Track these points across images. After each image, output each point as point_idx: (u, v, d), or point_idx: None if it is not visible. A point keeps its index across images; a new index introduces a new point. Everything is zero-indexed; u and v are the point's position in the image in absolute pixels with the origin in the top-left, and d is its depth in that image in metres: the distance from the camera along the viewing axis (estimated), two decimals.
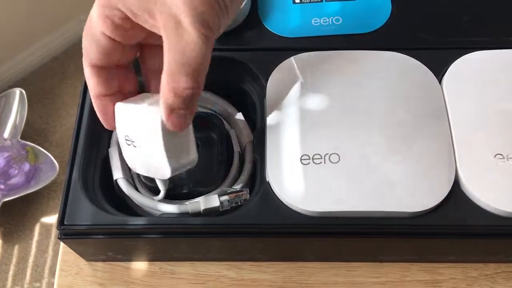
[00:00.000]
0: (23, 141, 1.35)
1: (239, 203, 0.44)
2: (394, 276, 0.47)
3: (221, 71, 0.49)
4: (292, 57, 0.46)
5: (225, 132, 0.49)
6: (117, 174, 0.45)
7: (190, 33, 0.32)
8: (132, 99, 0.38)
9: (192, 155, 0.39)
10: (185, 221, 0.41)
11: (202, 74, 0.33)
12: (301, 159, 0.41)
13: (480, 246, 0.43)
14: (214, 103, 0.50)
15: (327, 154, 0.41)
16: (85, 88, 0.46)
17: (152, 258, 0.47)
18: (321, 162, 0.41)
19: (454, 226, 0.40)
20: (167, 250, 0.45)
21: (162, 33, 0.33)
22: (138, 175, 0.46)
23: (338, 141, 0.42)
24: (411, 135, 0.42)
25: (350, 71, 0.45)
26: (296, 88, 0.45)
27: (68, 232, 0.41)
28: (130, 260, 0.47)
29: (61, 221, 0.40)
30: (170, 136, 0.36)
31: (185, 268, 0.48)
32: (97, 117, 0.44)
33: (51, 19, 1.46)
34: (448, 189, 0.40)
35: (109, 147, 0.46)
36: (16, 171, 1.31)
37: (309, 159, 0.41)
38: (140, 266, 0.48)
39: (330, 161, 0.41)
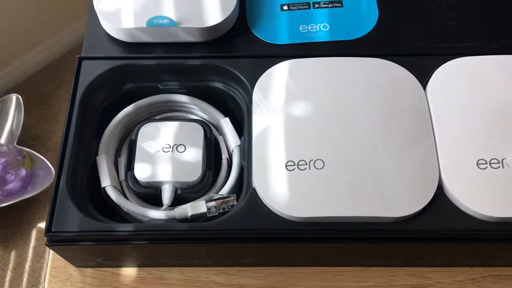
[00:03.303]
0: (20, 147, 1.35)
1: (227, 209, 0.44)
2: (382, 281, 0.47)
3: (209, 78, 0.50)
4: (278, 64, 0.47)
5: (213, 138, 0.49)
6: (105, 181, 0.45)
7: None
8: None
9: None
10: (172, 227, 0.42)
11: None
12: (286, 165, 0.42)
13: (464, 250, 0.43)
14: (202, 110, 0.51)
15: (312, 160, 0.42)
16: (73, 96, 0.47)
17: (141, 264, 0.48)
18: (306, 168, 0.42)
19: (437, 231, 0.41)
20: (155, 256, 0.45)
21: None
22: (127, 182, 0.47)
23: (323, 147, 0.42)
24: (395, 141, 0.43)
25: (335, 78, 0.46)
26: (281, 95, 0.45)
27: (56, 239, 0.41)
28: (119, 266, 0.48)
29: (48, 228, 0.41)
30: None
31: (174, 274, 0.48)
32: (84, 124, 0.45)
33: (48, 26, 1.47)
34: (431, 195, 0.41)
35: (97, 155, 0.47)
36: (13, 177, 1.31)
37: (294, 165, 0.42)
38: (129, 272, 0.48)
39: (315, 167, 0.42)
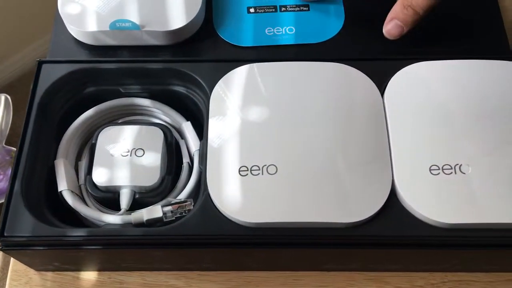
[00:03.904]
0: (8, 147, 1.35)
1: (183, 213, 0.44)
2: (340, 285, 0.47)
3: (171, 82, 0.50)
4: (236, 69, 0.47)
5: (174, 142, 0.49)
6: (62, 185, 0.45)
7: None
8: None
9: None
10: (124, 232, 0.42)
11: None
12: (239, 171, 0.42)
13: (417, 256, 0.43)
14: (164, 113, 0.51)
15: (265, 165, 0.42)
16: (31, 100, 0.47)
17: (101, 268, 0.48)
18: (259, 174, 0.41)
19: (389, 236, 0.40)
20: (113, 261, 0.45)
21: None
22: (86, 186, 0.47)
23: (276, 152, 0.42)
24: (349, 146, 0.42)
25: (293, 82, 0.46)
26: (238, 99, 0.45)
27: (9, 243, 0.41)
28: (79, 270, 0.48)
29: (1, 233, 0.41)
30: None
31: (134, 278, 0.48)
32: (42, 127, 0.45)
33: (38, 26, 1.47)
34: (384, 200, 0.41)
35: (55, 158, 0.47)
36: (1, 176, 1.31)
37: (248, 170, 0.42)
38: (89, 276, 0.48)
39: (268, 173, 0.41)
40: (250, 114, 0.44)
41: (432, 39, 0.54)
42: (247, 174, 0.42)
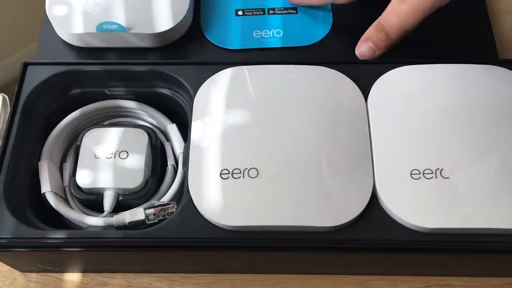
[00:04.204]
0: None
1: (166, 216, 0.44)
2: None
3: (156, 84, 0.50)
4: (221, 71, 0.47)
5: (159, 145, 0.49)
6: (45, 187, 0.45)
7: None
8: None
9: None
10: (105, 234, 0.42)
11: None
12: (221, 174, 0.42)
13: (400, 260, 0.43)
14: (150, 115, 0.51)
15: (247, 169, 0.42)
16: (16, 102, 0.47)
17: (84, 270, 0.48)
18: (240, 177, 0.41)
19: (370, 240, 0.40)
20: (95, 263, 0.46)
21: None
22: (70, 188, 0.47)
23: (258, 156, 0.42)
24: (332, 150, 0.42)
25: (277, 85, 0.45)
26: (221, 102, 0.45)
27: None
28: (62, 271, 0.48)
29: None
30: None
31: (117, 280, 0.48)
32: (27, 129, 0.45)
33: (35, 27, 1.47)
34: (364, 204, 0.41)
35: (39, 160, 0.47)
36: None
37: (229, 173, 0.42)
38: (73, 277, 0.48)
39: (249, 176, 0.41)
40: (233, 116, 0.44)
41: (419, 44, 0.54)
42: (228, 177, 0.42)
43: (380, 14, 0.48)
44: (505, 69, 0.47)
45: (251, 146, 0.43)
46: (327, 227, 0.40)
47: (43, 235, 0.41)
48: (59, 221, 0.47)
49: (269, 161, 0.42)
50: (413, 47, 0.53)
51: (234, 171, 0.42)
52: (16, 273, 0.49)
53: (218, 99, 0.45)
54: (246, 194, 0.41)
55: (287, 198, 0.41)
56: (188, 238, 0.41)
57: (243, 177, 0.41)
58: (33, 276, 0.48)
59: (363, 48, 0.47)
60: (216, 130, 0.44)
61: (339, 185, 0.41)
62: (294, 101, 0.45)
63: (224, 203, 0.41)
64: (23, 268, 0.48)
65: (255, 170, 0.42)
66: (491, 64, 0.47)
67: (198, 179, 0.42)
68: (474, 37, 0.55)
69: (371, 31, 0.48)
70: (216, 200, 0.41)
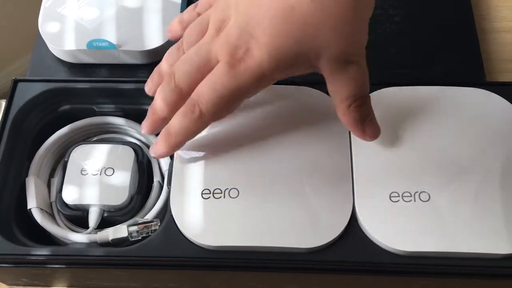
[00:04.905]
0: None
1: (150, 233, 0.45)
2: None
3: (144, 102, 0.50)
4: None
5: (145, 161, 0.50)
6: (31, 203, 0.46)
7: None
8: None
9: None
10: (87, 251, 0.42)
11: None
12: (202, 193, 0.42)
13: (378, 282, 0.43)
14: (138, 132, 0.51)
15: (227, 189, 0.42)
16: (5, 118, 0.47)
17: (69, 285, 0.48)
18: (220, 197, 0.42)
19: (349, 262, 0.41)
20: (78, 278, 0.46)
21: None
22: (57, 204, 0.47)
23: (239, 176, 0.43)
24: (311, 170, 0.43)
25: (258, 105, 0.46)
26: None
27: None
28: (48, 285, 0.48)
29: None
30: None
31: None
32: (15, 144, 0.45)
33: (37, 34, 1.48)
34: (343, 226, 0.41)
35: (26, 176, 0.48)
36: None
37: (210, 193, 0.42)
38: None
39: (230, 196, 0.42)
40: (215, 136, 0.44)
41: (406, 65, 0.54)
42: (209, 197, 0.42)
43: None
44: (489, 92, 0.47)
45: (232, 166, 0.43)
46: (306, 248, 0.41)
47: (26, 252, 0.42)
48: (46, 237, 0.47)
49: (249, 181, 0.42)
50: (398, 67, 0.54)
51: (215, 191, 0.42)
52: (3, 286, 0.49)
53: None
54: (226, 214, 0.41)
55: (266, 218, 0.41)
56: (169, 257, 0.41)
57: (224, 197, 0.42)
58: None
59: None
60: (198, 149, 0.44)
61: (318, 206, 0.41)
62: (275, 121, 0.45)
63: (204, 223, 0.41)
64: (9, 282, 0.48)
65: (236, 190, 0.42)
66: (476, 87, 0.47)
67: (180, 198, 0.43)
68: (462, 56, 0.55)
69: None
70: (197, 219, 0.42)
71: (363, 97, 0.39)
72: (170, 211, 0.43)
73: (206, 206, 0.42)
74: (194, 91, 0.38)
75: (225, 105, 0.37)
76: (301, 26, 0.34)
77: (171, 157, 0.48)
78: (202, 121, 0.38)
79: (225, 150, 0.44)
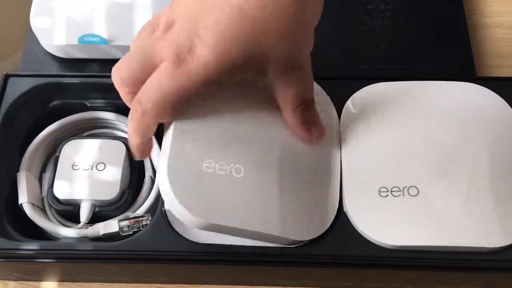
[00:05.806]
0: None
1: (141, 228, 0.45)
2: None
3: None
4: None
5: None
6: (22, 198, 0.46)
7: None
8: None
9: None
10: (77, 246, 0.43)
11: None
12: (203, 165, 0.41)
13: (367, 275, 0.43)
14: (127, 126, 0.51)
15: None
16: None
17: (60, 279, 0.48)
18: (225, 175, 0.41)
19: (337, 256, 0.41)
20: (69, 273, 0.46)
21: None
22: (48, 199, 0.47)
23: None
24: (300, 165, 0.43)
25: (252, 101, 0.46)
26: (198, 114, 0.45)
27: None
28: (40, 280, 0.49)
29: None
30: None
31: None
32: (6, 139, 0.45)
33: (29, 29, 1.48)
34: (331, 220, 0.41)
35: (18, 171, 0.48)
36: None
37: (213, 165, 0.41)
38: (50, 286, 0.49)
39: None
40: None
41: (396, 60, 0.54)
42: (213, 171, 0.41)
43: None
44: (480, 86, 0.47)
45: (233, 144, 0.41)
46: (294, 241, 0.41)
47: (16, 246, 0.42)
48: (38, 232, 0.47)
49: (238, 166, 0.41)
50: (388, 62, 0.54)
51: (219, 165, 0.41)
52: None
53: (191, 112, 0.45)
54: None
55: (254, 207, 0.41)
56: (160, 251, 0.41)
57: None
58: (11, 284, 0.49)
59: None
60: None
61: (306, 200, 0.41)
62: (268, 116, 0.45)
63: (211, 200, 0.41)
64: (1, 277, 0.48)
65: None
66: (467, 81, 0.47)
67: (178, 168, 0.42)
68: (452, 51, 0.55)
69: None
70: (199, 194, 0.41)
71: (309, 100, 0.40)
72: (161, 206, 0.43)
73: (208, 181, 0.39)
74: (140, 90, 0.37)
75: (168, 104, 0.36)
76: (248, 30, 0.34)
77: None
78: (145, 121, 0.37)
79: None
